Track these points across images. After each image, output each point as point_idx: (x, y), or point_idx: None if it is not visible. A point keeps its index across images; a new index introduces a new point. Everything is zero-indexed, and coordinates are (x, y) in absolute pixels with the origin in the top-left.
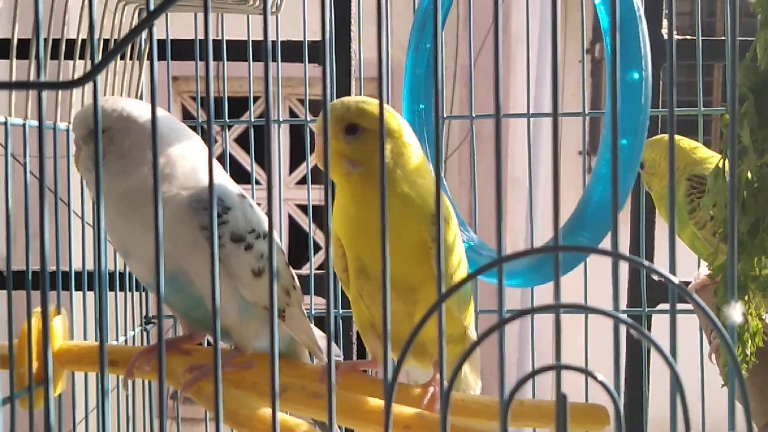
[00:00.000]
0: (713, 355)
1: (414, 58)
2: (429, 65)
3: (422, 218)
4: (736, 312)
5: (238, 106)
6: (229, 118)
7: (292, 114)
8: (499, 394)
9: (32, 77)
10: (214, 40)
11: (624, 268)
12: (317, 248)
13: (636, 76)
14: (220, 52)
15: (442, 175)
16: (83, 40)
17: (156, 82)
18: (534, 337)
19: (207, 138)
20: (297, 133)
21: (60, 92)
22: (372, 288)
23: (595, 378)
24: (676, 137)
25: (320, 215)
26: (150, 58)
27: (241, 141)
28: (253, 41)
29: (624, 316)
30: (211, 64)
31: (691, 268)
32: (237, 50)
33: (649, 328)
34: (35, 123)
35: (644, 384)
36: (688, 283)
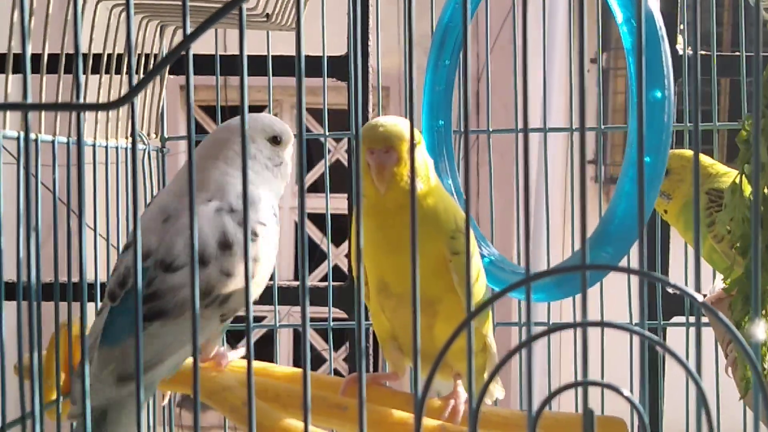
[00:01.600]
0: (729, 369)
1: (433, 75)
2: (448, 81)
3: (442, 233)
4: (760, 329)
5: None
6: None
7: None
8: (528, 410)
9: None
10: (226, 55)
11: (637, 280)
12: (323, 257)
13: (659, 95)
14: (231, 66)
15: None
16: (101, 55)
17: (192, 102)
18: (551, 349)
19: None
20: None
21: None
22: (394, 303)
23: (621, 394)
24: (691, 152)
25: (323, 223)
26: (186, 80)
27: None
28: (273, 56)
29: (651, 334)
30: (246, 78)
31: (706, 280)
32: (256, 65)
33: (664, 341)
34: (63, 139)
35: (660, 396)
36: (702, 296)
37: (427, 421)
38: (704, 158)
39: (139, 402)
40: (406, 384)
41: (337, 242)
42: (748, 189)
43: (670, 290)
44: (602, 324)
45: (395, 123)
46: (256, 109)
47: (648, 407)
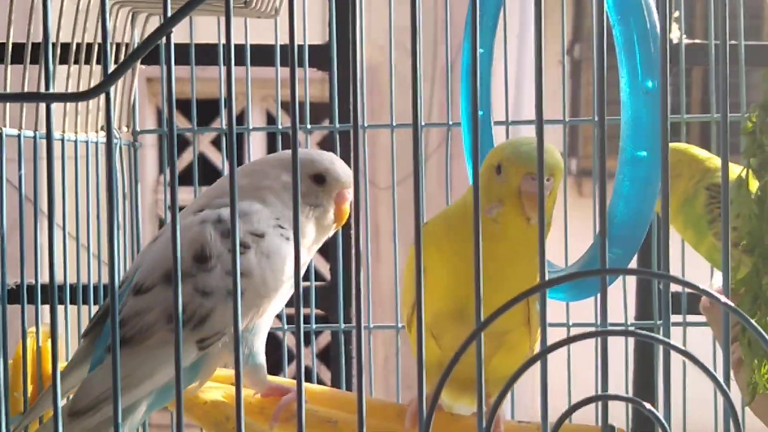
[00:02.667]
0: (732, 372)
1: (470, 64)
2: (486, 71)
3: (534, 269)
4: None
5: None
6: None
7: (270, 117)
8: (542, 423)
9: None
10: (209, 44)
11: (631, 279)
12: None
13: (650, 84)
14: (204, 56)
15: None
16: (70, 44)
17: (173, 90)
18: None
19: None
20: (273, 139)
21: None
22: (465, 332)
23: (644, 408)
24: (687, 145)
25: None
26: (168, 66)
27: (218, 143)
28: (251, 45)
29: (675, 343)
30: (231, 68)
31: (703, 277)
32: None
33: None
34: (30, 133)
35: (655, 397)
36: (699, 295)
37: None
38: (699, 151)
39: None
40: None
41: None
42: (753, 184)
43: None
44: (626, 333)
45: (554, 150)
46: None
47: (636, 409)
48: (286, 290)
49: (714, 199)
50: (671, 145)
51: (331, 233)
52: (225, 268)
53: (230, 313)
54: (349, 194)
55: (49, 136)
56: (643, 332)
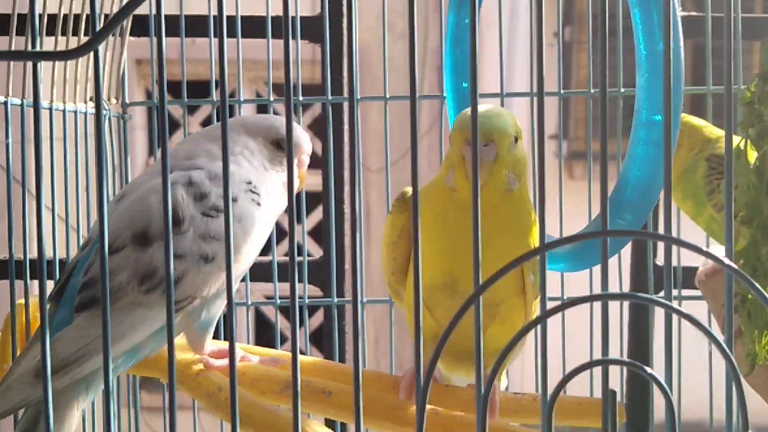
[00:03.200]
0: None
1: (454, 35)
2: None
3: (522, 235)
4: None
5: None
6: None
7: (258, 97)
8: (542, 391)
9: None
10: (191, 16)
11: (626, 252)
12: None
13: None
14: (194, 28)
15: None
16: (57, 14)
17: (165, 57)
18: (565, 326)
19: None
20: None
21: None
22: (456, 304)
23: (644, 372)
24: (686, 115)
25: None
26: (158, 31)
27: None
28: (242, 17)
29: (679, 307)
30: (226, 42)
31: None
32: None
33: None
34: (17, 101)
35: (651, 365)
36: (695, 269)
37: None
38: (699, 121)
39: (47, 399)
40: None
41: (300, 219)
42: (752, 154)
43: (659, 262)
44: (627, 297)
45: (499, 114)
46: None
47: (630, 381)
48: (254, 255)
49: (713, 170)
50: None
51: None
52: (197, 232)
53: (201, 278)
54: (306, 159)
55: (36, 97)
56: (646, 296)
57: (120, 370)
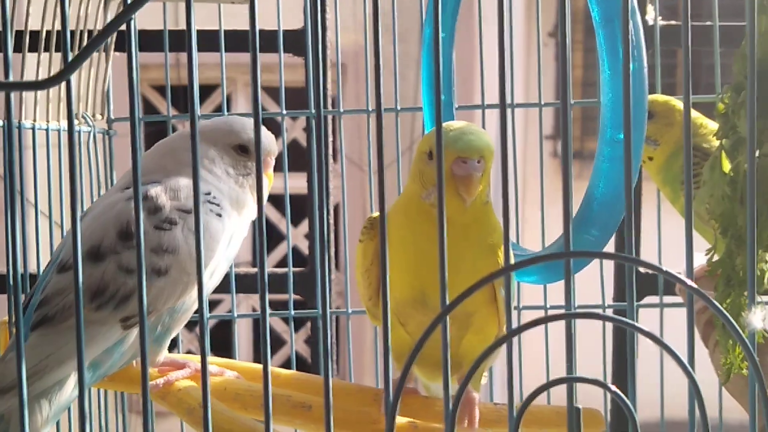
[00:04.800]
0: (709, 343)
1: (431, 48)
2: (446, 55)
3: (496, 247)
4: (756, 317)
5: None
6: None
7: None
8: (509, 405)
9: None
10: (177, 30)
11: (609, 261)
12: (281, 238)
13: (630, 66)
14: (183, 42)
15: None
16: (40, 31)
17: (137, 77)
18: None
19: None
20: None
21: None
22: (427, 319)
23: (609, 390)
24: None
25: (281, 203)
26: (129, 53)
27: None
28: (225, 31)
29: (640, 326)
30: (195, 55)
31: (682, 257)
32: (208, 41)
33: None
34: None
35: (631, 380)
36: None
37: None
38: (694, 112)
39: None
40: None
41: (295, 222)
42: (726, 165)
43: (642, 270)
44: (593, 316)
45: (483, 132)
46: (207, 88)
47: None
48: (218, 268)
49: (694, 163)
50: (662, 97)
51: (265, 197)
52: (149, 246)
53: (154, 292)
54: (272, 160)
55: (9, 127)
56: (610, 315)
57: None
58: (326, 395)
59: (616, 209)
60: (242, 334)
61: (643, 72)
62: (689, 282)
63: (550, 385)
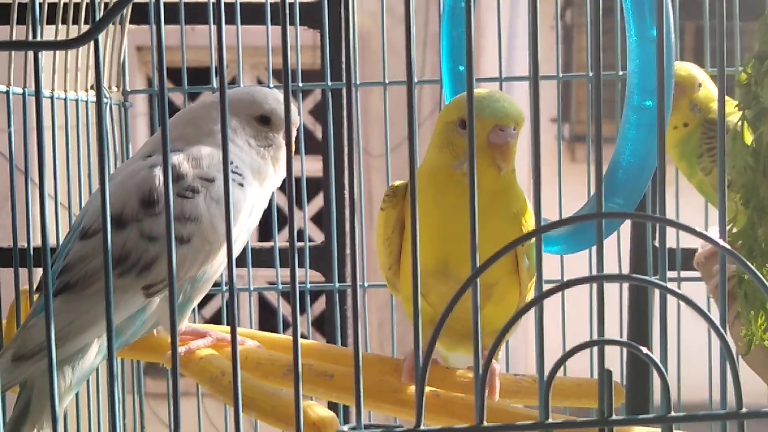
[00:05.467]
0: (729, 323)
1: (450, 19)
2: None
3: (518, 217)
4: None
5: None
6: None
7: (260, 83)
8: (538, 371)
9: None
10: (199, 3)
11: (625, 236)
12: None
13: (655, 33)
14: (194, 15)
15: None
16: (65, 4)
17: (163, 43)
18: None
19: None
20: None
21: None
22: (450, 289)
23: (640, 351)
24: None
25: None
26: (157, 18)
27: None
28: (241, 3)
29: (678, 289)
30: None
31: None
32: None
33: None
34: (19, 90)
35: (662, 343)
36: (694, 250)
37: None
38: (711, 85)
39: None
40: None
41: (301, 205)
42: (748, 136)
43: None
44: (623, 278)
45: (512, 99)
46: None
47: (630, 362)
48: (239, 239)
49: (704, 135)
50: (684, 67)
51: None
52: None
53: (176, 261)
54: (294, 131)
55: (37, 86)
56: (640, 276)
57: (104, 354)
58: (356, 366)
59: (642, 177)
60: (245, 312)
61: (670, 38)
62: (723, 243)
63: (580, 348)
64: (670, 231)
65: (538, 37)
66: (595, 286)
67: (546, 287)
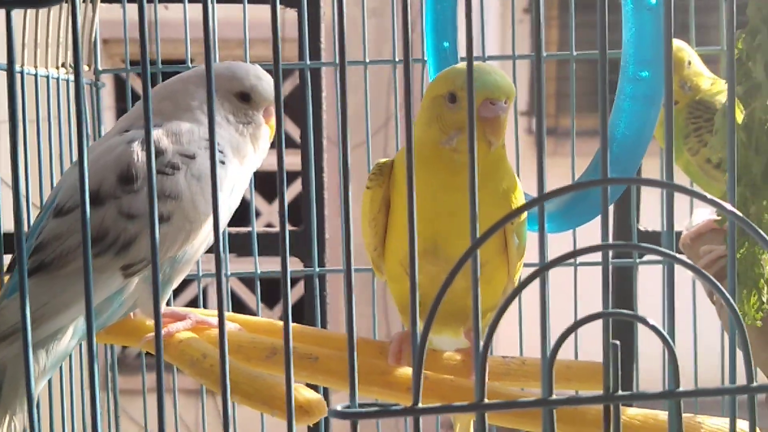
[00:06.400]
0: (715, 298)
1: None
2: (451, 3)
3: (509, 196)
4: None
5: None
6: None
7: None
8: (542, 351)
9: None
10: None
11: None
12: (247, 220)
13: (653, 0)
14: None
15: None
16: None
17: (146, 18)
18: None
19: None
20: None
21: None
22: (438, 269)
23: (647, 324)
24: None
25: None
26: None
27: None
28: None
29: (684, 258)
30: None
31: (683, 215)
32: None
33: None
34: None
35: (669, 317)
36: (679, 233)
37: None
38: (702, 67)
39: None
40: None
41: (271, 200)
42: (739, 112)
43: (640, 227)
44: (633, 246)
45: (502, 72)
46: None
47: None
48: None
49: (691, 116)
50: (674, 41)
51: (267, 149)
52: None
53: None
54: (273, 110)
55: (10, 54)
56: (650, 246)
57: (79, 337)
58: (350, 346)
59: (637, 151)
60: (212, 295)
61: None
62: (730, 207)
63: (584, 321)
64: (654, 214)
65: (541, 15)
66: (581, 268)
67: (528, 272)
